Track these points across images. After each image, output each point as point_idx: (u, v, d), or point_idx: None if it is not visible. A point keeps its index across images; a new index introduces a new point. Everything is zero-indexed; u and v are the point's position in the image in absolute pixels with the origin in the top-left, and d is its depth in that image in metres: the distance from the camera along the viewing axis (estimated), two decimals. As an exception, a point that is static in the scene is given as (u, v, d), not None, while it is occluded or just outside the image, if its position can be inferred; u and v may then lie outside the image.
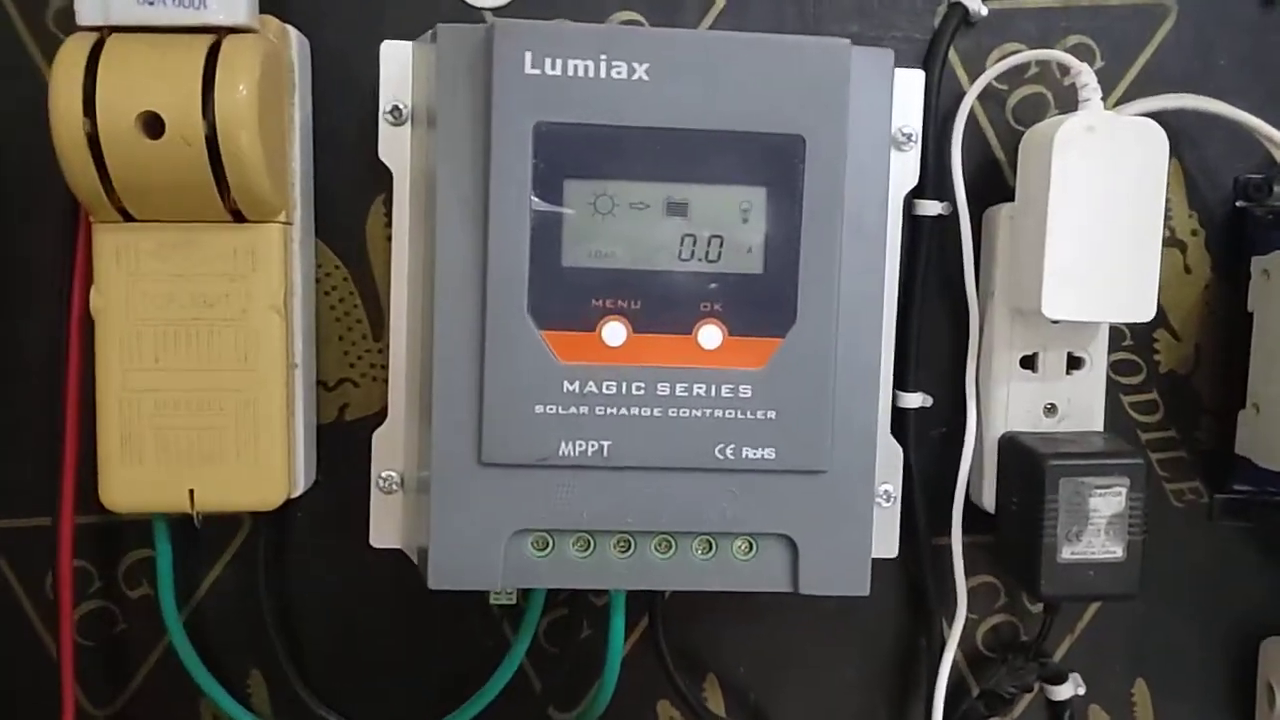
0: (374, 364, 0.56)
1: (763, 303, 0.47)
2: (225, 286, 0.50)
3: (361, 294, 0.55)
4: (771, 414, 0.48)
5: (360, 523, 0.53)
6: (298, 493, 0.53)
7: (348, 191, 0.55)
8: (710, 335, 0.47)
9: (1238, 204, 0.58)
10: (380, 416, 0.53)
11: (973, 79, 0.55)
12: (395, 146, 0.51)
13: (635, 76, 0.46)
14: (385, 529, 0.53)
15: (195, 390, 0.50)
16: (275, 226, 0.50)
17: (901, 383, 0.55)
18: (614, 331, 0.47)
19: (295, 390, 0.52)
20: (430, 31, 0.48)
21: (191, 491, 0.50)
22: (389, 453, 0.52)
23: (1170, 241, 0.58)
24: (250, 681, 0.57)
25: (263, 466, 0.51)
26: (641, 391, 0.47)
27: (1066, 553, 0.51)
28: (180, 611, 0.54)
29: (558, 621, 0.58)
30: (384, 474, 0.52)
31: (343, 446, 0.55)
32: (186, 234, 0.50)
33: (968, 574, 0.56)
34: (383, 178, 0.52)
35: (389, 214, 0.53)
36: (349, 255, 0.55)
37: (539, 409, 0.47)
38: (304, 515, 0.56)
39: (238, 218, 0.49)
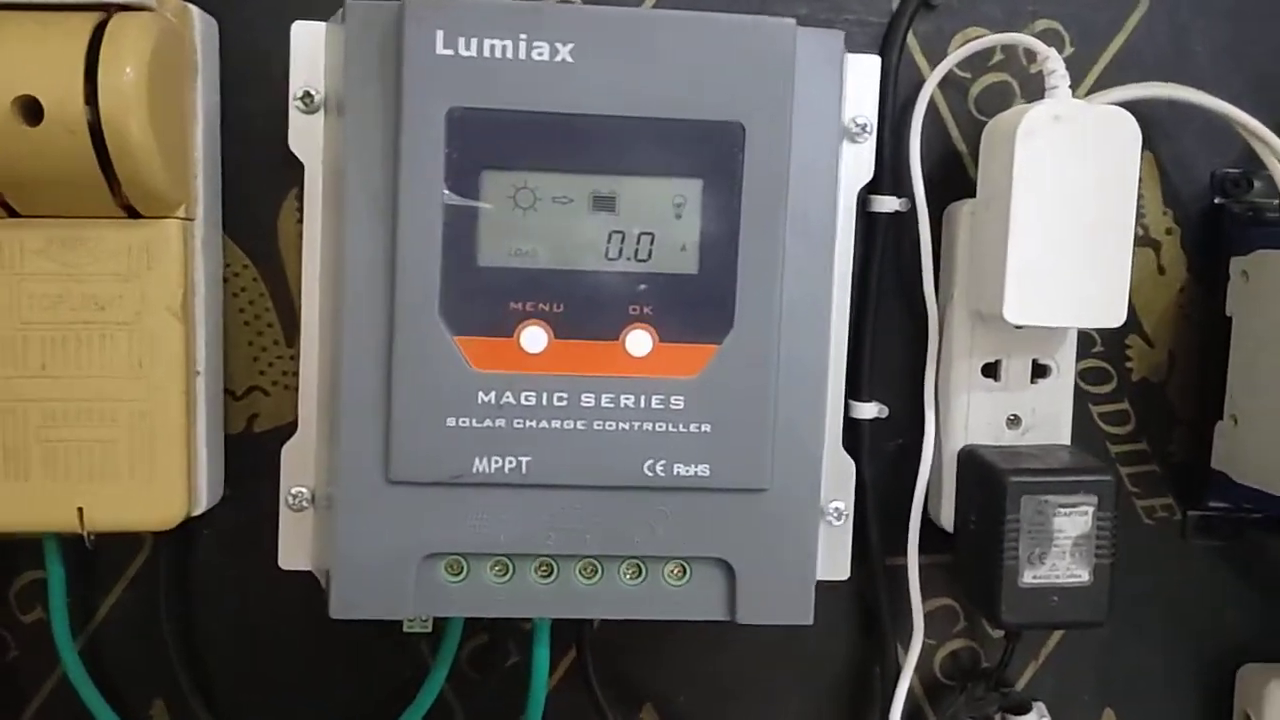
0: (286, 371, 0.52)
1: (697, 306, 0.44)
2: (118, 287, 0.46)
3: (273, 296, 0.51)
4: (706, 427, 0.44)
5: (271, 541, 0.49)
6: (200, 510, 0.49)
7: (259, 185, 0.51)
8: (639, 341, 0.44)
9: (1215, 200, 0.54)
10: (292, 428, 0.49)
11: (933, 66, 0.52)
12: (307, 136, 0.47)
13: (558, 58, 0.42)
14: (295, 550, 0.49)
15: (85, 400, 0.46)
16: (173, 222, 0.46)
17: (855, 392, 0.52)
18: (534, 337, 0.43)
19: (197, 399, 0.48)
20: (341, 10, 0.44)
21: (81, 510, 0.47)
22: (299, 467, 0.48)
23: (1143, 240, 0.54)
24: (153, 712, 0.53)
25: (159, 482, 0.47)
26: (564, 403, 0.43)
27: (1028, 576, 0.48)
28: (76, 638, 0.51)
29: (483, 647, 0.54)
30: (294, 490, 0.48)
31: (252, 460, 0.51)
32: (76, 230, 0.46)
33: (925, 596, 0.53)
34: (296, 170, 0.48)
35: (302, 209, 0.49)
36: (260, 254, 0.51)
37: (452, 422, 0.43)
38: (210, 534, 0.52)
39: (132, 213, 0.46)
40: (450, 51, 0.42)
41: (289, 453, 0.48)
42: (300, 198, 0.50)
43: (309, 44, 0.47)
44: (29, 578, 0.52)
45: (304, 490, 0.48)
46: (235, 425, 0.52)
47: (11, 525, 0.46)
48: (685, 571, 0.45)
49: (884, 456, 0.54)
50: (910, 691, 0.54)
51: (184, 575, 0.52)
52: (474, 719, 0.54)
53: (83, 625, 0.52)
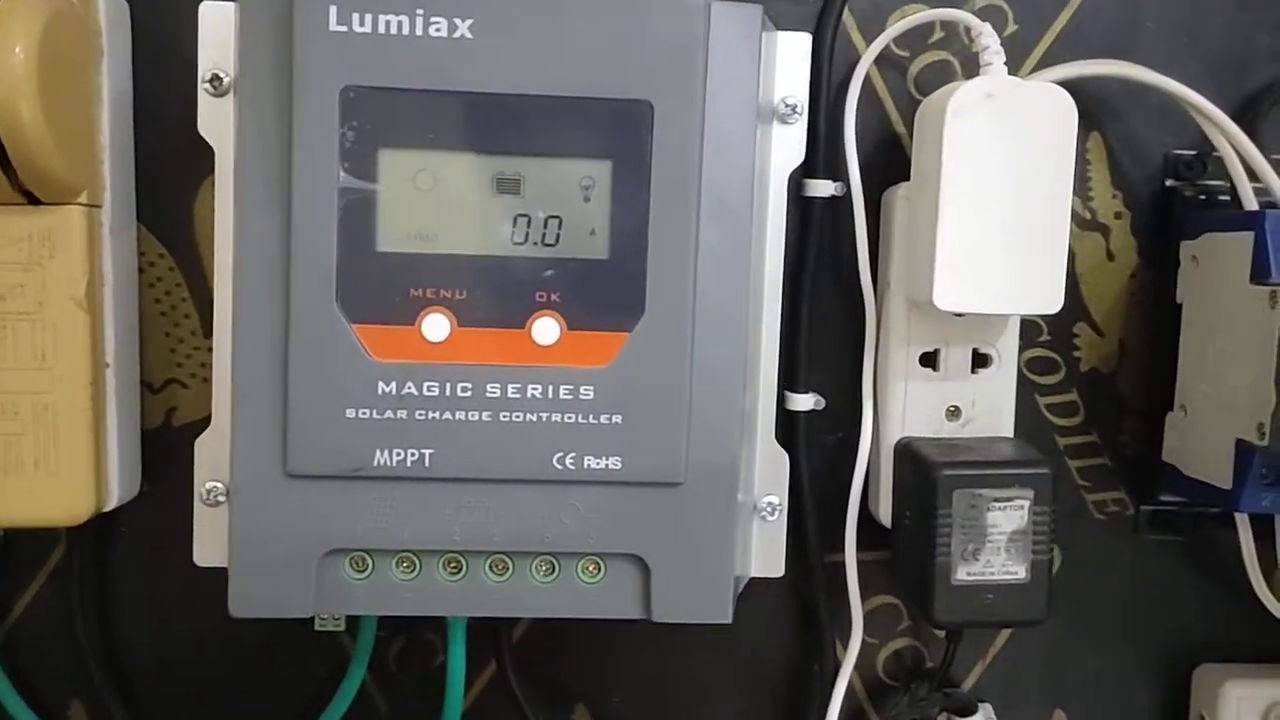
0: (205, 363, 0.50)
1: (606, 292, 0.42)
2: (19, 276, 0.45)
3: (190, 285, 0.50)
4: (617, 418, 0.42)
5: (188, 538, 0.47)
6: (112, 505, 0.47)
7: (174, 171, 0.49)
8: (546, 329, 0.42)
9: (1167, 183, 0.52)
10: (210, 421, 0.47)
11: (869, 42, 0.50)
12: (217, 120, 0.46)
13: (457, 34, 0.41)
14: (210, 546, 0.47)
15: (-12, 392, 0.45)
16: (76, 209, 0.45)
17: (791, 383, 0.50)
18: (436, 325, 0.42)
19: (107, 392, 0.47)
20: (243, -11, 0.42)
21: (-15, 504, 0.45)
22: (213, 462, 0.47)
23: (1091, 225, 0.52)
24: (71, 713, 0.52)
25: (65, 477, 0.46)
26: (468, 393, 0.42)
27: (962, 573, 0.46)
28: (-8, 636, 0.50)
29: (410, 645, 0.52)
30: (208, 485, 0.47)
31: (170, 454, 0.50)
32: (-26, 217, 0.44)
33: (866, 594, 0.51)
34: (213, 156, 0.46)
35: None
36: (175, 242, 0.50)
37: (351, 413, 0.42)
38: (127, 530, 0.51)
39: (32, 199, 0.44)
40: (344, 28, 0.40)
41: (202, 446, 0.47)
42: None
43: (218, 25, 0.45)
44: (-58, 575, 0.51)
45: (219, 485, 0.47)
46: (153, 419, 0.50)
47: (-87, 521, 0.45)
48: (599, 568, 0.44)
49: (822, 449, 0.52)
50: (852, 691, 0.52)
51: (101, 572, 0.51)
52: (400, 717, 0.52)
53: (-1, 623, 0.51)
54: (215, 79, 0.45)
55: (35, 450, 0.45)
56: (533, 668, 0.51)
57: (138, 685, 0.52)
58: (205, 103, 0.46)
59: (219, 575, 0.47)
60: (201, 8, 0.45)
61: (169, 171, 0.49)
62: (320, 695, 0.51)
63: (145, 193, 0.49)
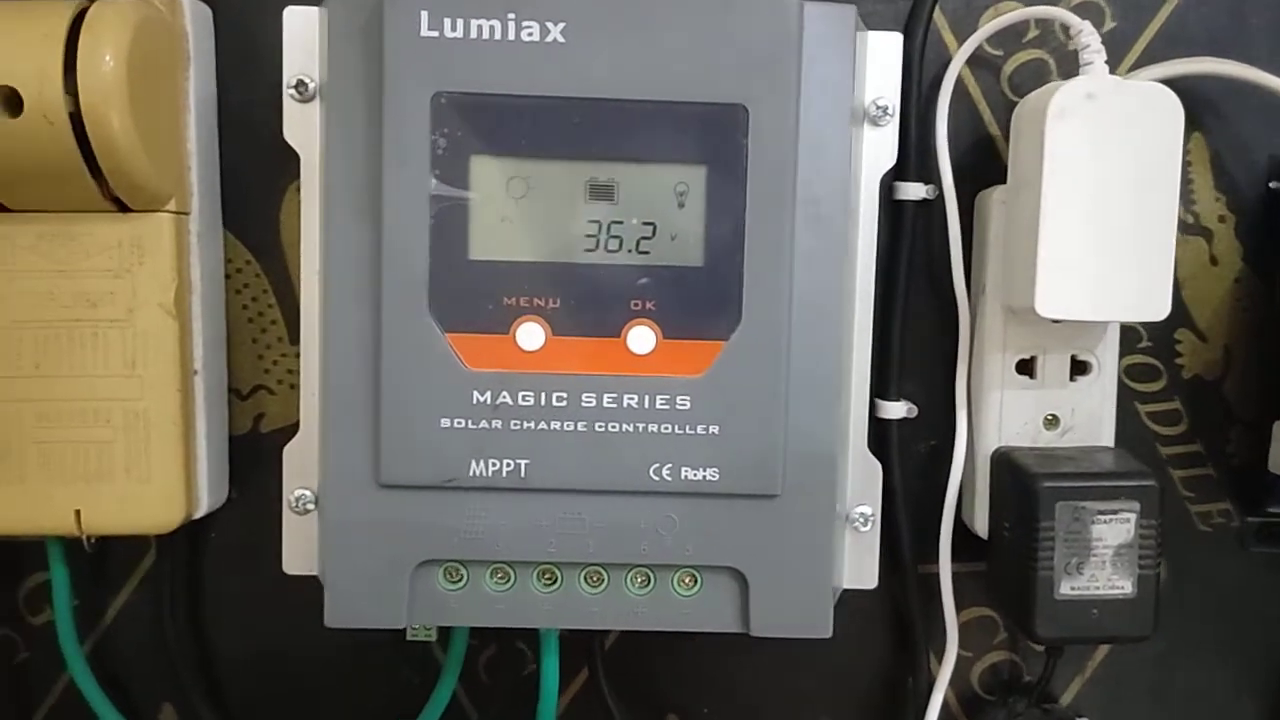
0: (292, 370, 0.50)
1: (702, 301, 0.41)
2: (110, 284, 0.45)
3: (276, 292, 0.50)
4: (714, 429, 0.41)
5: (277, 544, 0.47)
6: (202, 512, 0.47)
7: (260, 177, 0.49)
8: (642, 338, 0.41)
9: (1271, 185, 0.50)
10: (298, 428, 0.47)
11: (961, 42, 0.48)
12: (302, 126, 0.45)
13: (549, 38, 0.40)
14: (299, 554, 0.47)
15: (80, 399, 0.45)
16: (165, 216, 0.45)
17: (882, 390, 0.49)
18: (530, 334, 0.41)
19: (196, 399, 0.47)
20: (330, -6, 0.42)
21: (78, 512, 0.45)
22: (302, 469, 0.47)
23: (1194, 229, 0.51)
24: (162, 715, 0.52)
25: (157, 484, 0.46)
26: (563, 403, 0.41)
27: (1065, 588, 0.44)
28: (84, 640, 0.50)
29: (501, 654, 0.52)
30: (296, 493, 0.47)
31: (259, 461, 0.50)
32: (66, 225, 0.45)
33: (962, 606, 0.50)
34: (298, 161, 0.46)
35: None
36: (262, 249, 0.50)
37: (445, 423, 0.41)
38: (217, 536, 0.51)
39: (122, 207, 0.44)
40: (435, 33, 0.40)
41: (290, 454, 0.47)
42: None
43: (303, 30, 0.45)
44: (38, 579, 0.51)
45: (306, 493, 0.47)
46: (241, 425, 0.50)
47: (8, 528, 0.45)
48: (696, 580, 0.43)
49: (915, 458, 0.51)
50: (946, 706, 0.51)
51: (191, 579, 0.51)
52: (488, 723, 0.52)
53: (91, 627, 0.51)
54: (300, 84, 0.45)
55: (126, 458, 0.45)
56: (623, 677, 0.51)
57: (227, 690, 0.52)
58: (290, 108, 0.45)
59: (308, 582, 0.47)
60: (286, 13, 0.45)
61: (254, 178, 0.49)
62: (411, 704, 0.50)
63: (230, 199, 0.49)
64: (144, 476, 0.45)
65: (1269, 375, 0.50)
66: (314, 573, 0.47)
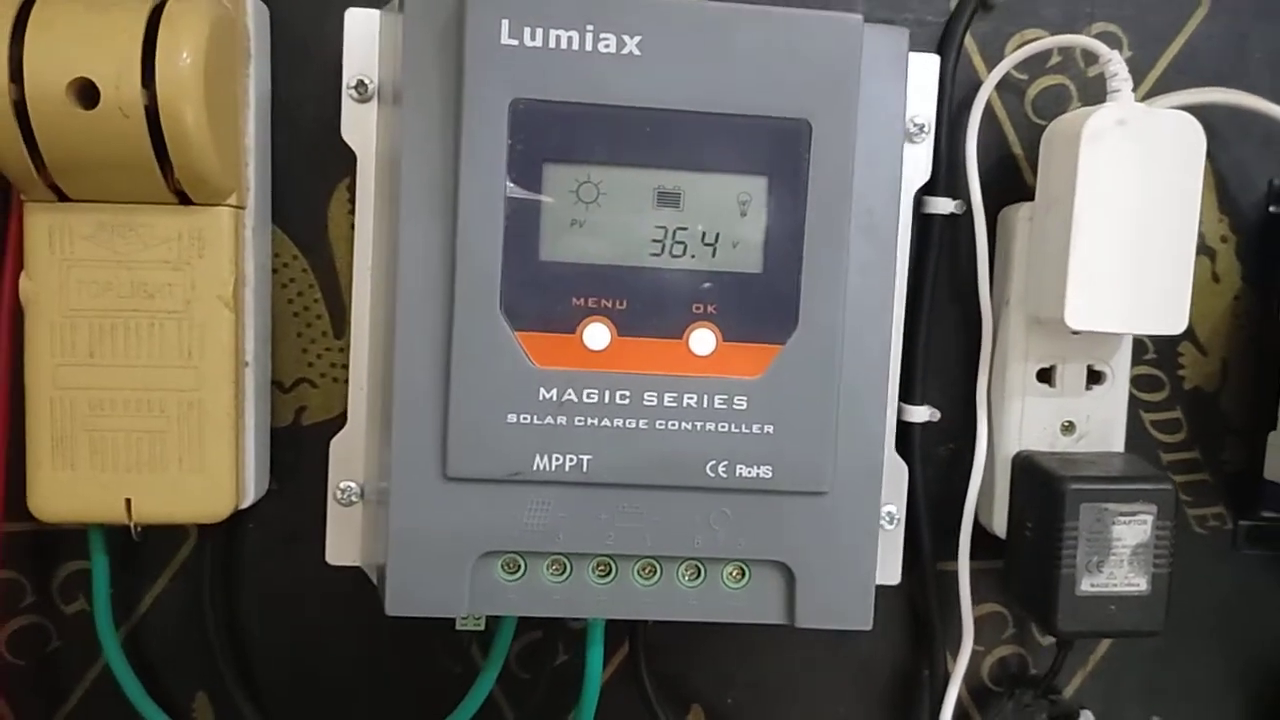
0: (334, 364, 0.51)
1: (761, 305, 0.43)
2: (168, 275, 0.46)
3: (322, 287, 0.51)
4: (769, 428, 0.43)
5: (317, 536, 0.49)
6: (247, 503, 0.48)
7: (309, 174, 0.50)
8: (703, 340, 0.43)
9: (1271, 209, 0.54)
10: (340, 421, 0.48)
11: (990, 67, 0.51)
12: (360, 125, 0.47)
13: (625, 50, 0.42)
14: (343, 545, 0.48)
15: (134, 389, 0.46)
16: (225, 210, 0.46)
17: (908, 395, 0.51)
18: (596, 334, 0.43)
19: (246, 391, 0.48)
20: (398, -1, 0.43)
21: (129, 501, 0.46)
22: (348, 462, 0.48)
23: (1199, 248, 0.53)
24: (196, 705, 0.52)
25: (208, 474, 0.46)
26: (626, 401, 0.43)
27: (1086, 584, 0.47)
28: (119, 629, 0.50)
29: (532, 645, 0.53)
30: (342, 485, 0.48)
31: (299, 453, 0.51)
32: (127, 216, 0.45)
33: (975, 602, 0.52)
34: (347, 159, 0.47)
35: (353, 199, 0.48)
36: (309, 244, 0.50)
37: (512, 418, 0.42)
38: (255, 527, 0.51)
39: (183, 199, 0.45)
40: (515, 41, 0.41)
41: (337, 447, 0.48)
42: (350, 188, 0.50)
43: (362, 32, 0.47)
44: (72, 568, 0.51)
45: (353, 485, 0.48)
46: (283, 418, 0.51)
47: (59, 516, 0.46)
48: (744, 574, 0.45)
49: (935, 461, 0.53)
50: (958, 698, 0.53)
51: (229, 568, 0.52)
52: (522, 717, 0.53)
53: (125, 616, 0.51)
54: (360, 85, 0.47)
55: (179, 447, 0.46)
56: (651, 666, 0.52)
57: (261, 679, 0.53)
58: (349, 108, 0.47)
59: (343, 572, 0.48)
60: (348, 15, 0.47)
61: (304, 175, 0.50)
62: (448, 693, 0.51)
63: (280, 195, 0.50)
64: (196, 466, 0.46)
65: (1263, 388, 0.53)
66: (357, 563, 0.48)
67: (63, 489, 0.46)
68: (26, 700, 0.52)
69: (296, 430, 0.51)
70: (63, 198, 0.45)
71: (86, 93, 0.41)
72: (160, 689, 0.51)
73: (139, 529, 0.47)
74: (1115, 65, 0.48)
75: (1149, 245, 0.46)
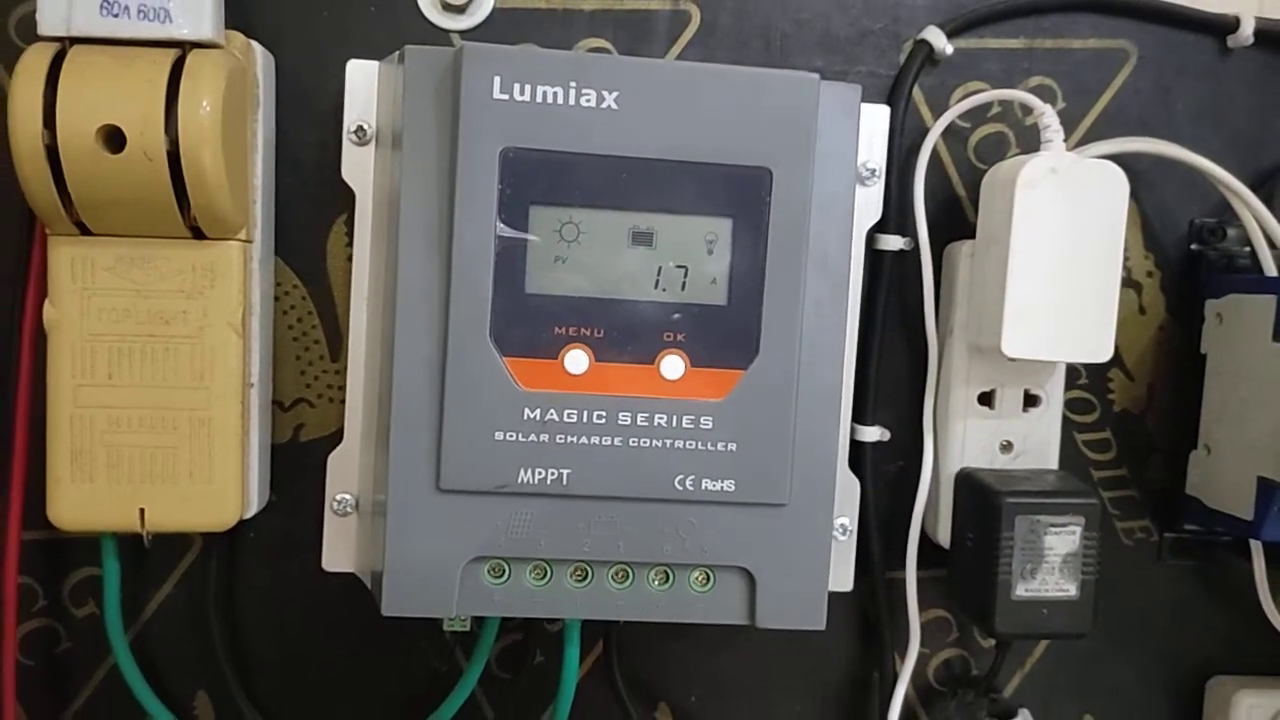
0: (331, 385, 0.55)
1: (726, 335, 0.47)
2: (182, 303, 0.49)
3: (320, 314, 0.55)
4: (732, 446, 0.48)
5: (313, 545, 0.53)
6: (251, 513, 0.52)
7: (309, 210, 0.54)
8: (673, 366, 0.47)
9: (1192, 247, 0.59)
10: (336, 437, 0.52)
11: (936, 116, 0.56)
12: (359, 166, 0.51)
13: (604, 105, 0.46)
14: (338, 552, 0.52)
15: (149, 408, 0.49)
16: (235, 244, 0.50)
17: (860, 416, 0.56)
18: (576, 359, 0.47)
19: (251, 410, 0.51)
20: (397, 52, 0.47)
21: (142, 511, 0.50)
22: (344, 475, 0.52)
23: (1126, 282, 0.58)
24: (197, 703, 0.56)
25: (216, 487, 0.50)
26: (602, 420, 0.47)
27: (1021, 590, 0.52)
28: (126, 631, 0.54)
29: (512, 647, 0.57)
30: (338, 497, 0.52)
31: (297, 467, 0.55)
32: (144, 249, 0.49)
33: (921, 608, 0.57)
34: (344, 197, 0.51)
35: (350, 234, 0.52)
36: (308, 274, 0.54)
37: (499, 436, 0.47)
38: (256, 536, 0.55)
39: (197, 234, 0.49)
40: (506, 96, 0.45)
41: (334, 461, 0.52)
42: (347, 223, 0.54)
43: (362, 81, 0.51)
44: (82, 574, 0.55)
45: (348, 497, 0.52)
46: (282, 434, 0.55)
47: (78, 525, 0.49)
48: (709, 579, 0.49)
49: (886, 477, 0.57)
50: (905, 697, 0.58)
51: (231, 574, 0.55)
52: (502, 716, 0.57)
53: (132, 619, 0.55)
54: (359, 129, 0.51)
55: (190, 461, 0.50)
56: (623, 664, 0.56)
57: (259, 678, 0.56)
58: (349, 151, 0.51)
59: (337, 578, 0.52)
60: (349, 65, 0.51)
61: (304, 211, 0.54)
62: (432, 688, 0.55)
63: (283, 229, 0.54)
64: (206, 479, 0.50)
65: (1185, 410, 0.58)
66: (351, 570, 0.52)
67: (81, 500, 0.49)
68: (36, 698, 0.55)
69: (295, 446, 0.55)
70: (85, 232, 0.48)
71: (114, 138, 0.45)
72: (163, 688, 0.55)
73: (150, 536, 0.50)
74: (1048, 118, 0.53)
75: (1077, 281, 0.51)
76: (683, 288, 0.47)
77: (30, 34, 0.47)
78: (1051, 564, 0.51)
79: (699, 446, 0.48)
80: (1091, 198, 0.51)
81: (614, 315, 0.47)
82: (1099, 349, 0.52)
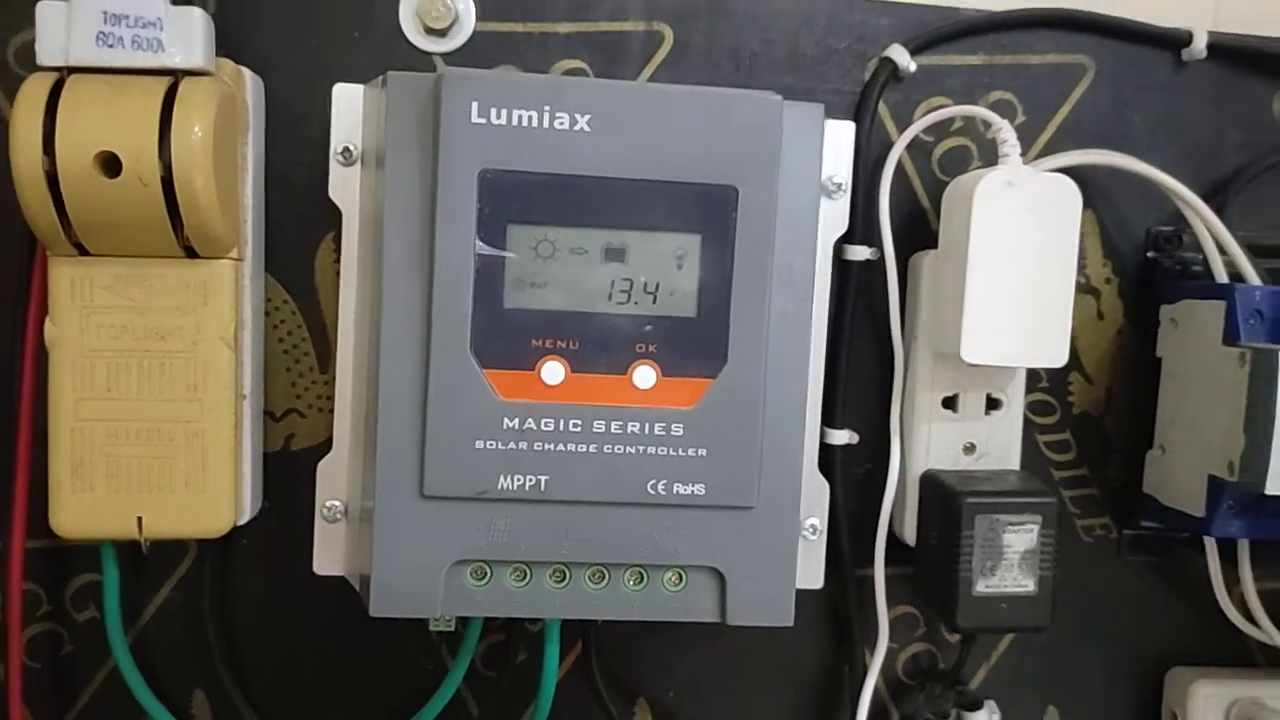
0: (320, 395, 0.57)
1: (695, 345, 0.50)
2: (177, 320, 0.51)
3: (309, 327, 0.57)
4: (702, 451, 0.50)
5: (304, 549, 0.55)
6: (244, 520, 0.54)
7: (298, 229, 0.56)
8: (645, 375, 0.49)
9: (1148, 255, 0.61)
10: (326, 446, 0.55)
11: (901, 131, 0.58)
12: (345, 186, 0.53)
13: (577, 127, 0.48)
14: (328, 556, 0.55)
15: (146, 420, 0.52)
16: (227, 262, 0.52)
17: (830, 420, 0.58)
18: (553, 371, 0.49)
19: (243, 420, 0.53)
20: (381, 77, 0.50)
21: (140, 519, 0.52)
22: (333, 482, 0.54)
23: (1085, 289, 0.61)
24: (194, 702, 0.58)
25: (210, 495, 0.52)
26: (578, 429, 0.49)
27: (981, 586, 0.54)
28: (126, 634, 0.56)
29: (495, 647, 0.59)
30: (328, 503, 0.54)
31: (288, 475, 0.57)
32: (140, 268, 0.51)
33: (889, 604, 0.59)
34: (332, 216, 0.53)
35: (338, 250, 0.55)
36: (298, 290, 0.57)
37: (480, 444, 0.49)
38: (249, 542, 0.57)
39: (190, 254, 0.51)
40: (483, 120, 0.48)
41: (324, 469, 0.54)
42: (335, 240, 0.56)
43: (348, 104, 0.53)
44: (83, 580, 0.57)
45: (337, 503, 0.54)
46: (274, 444, 0.57)
47: (79, 533, 0.52)
48: (681, 578, 0.51)
49: (854, 479, 0.60)
50: (875, 690, 0.60)
51: (225, 578, 0.58)
52: (486, 713, 0.60)
53: (131, 623, 0.57)
54: (345, 151, 0.53)
55: (186, 471, 0.52)
56: (602, 663, 0.58)
57: (253, 677, 0.58)
58: (336, 171, 0.53)
59: (331, 580, 0.54)
60: (335, 89, 0.53)
61: (293, 230, 0.56)
62: (418, 687, 0.58)
63: (273, 247, 0.56)
64: (200, 488, 0.52)
65: (1142, 412, 0.60)
66: (341, 573, 0.54)
67: (82, 509, 0.51)
68: (42, 699, 0.57)
69: (286, 455, 0.57)
70: (84, 252, 0.50)
71: (111, 164, 0.47)
72: (161, 688, 0.57)
73: (148, 543, 0.52)
74: (1006, 133, 0.55)
75: (1034, 289, 0.53)
76: (654, 301, 0.49)
77: (28, 61, 0.49)
78: (1010, 561, 0.54)
79: (670, 452, 0.50)
80: (1047, 209, 0.53)
81: (588, 328, 0.49)
82: (1055, 354, 0.54)
